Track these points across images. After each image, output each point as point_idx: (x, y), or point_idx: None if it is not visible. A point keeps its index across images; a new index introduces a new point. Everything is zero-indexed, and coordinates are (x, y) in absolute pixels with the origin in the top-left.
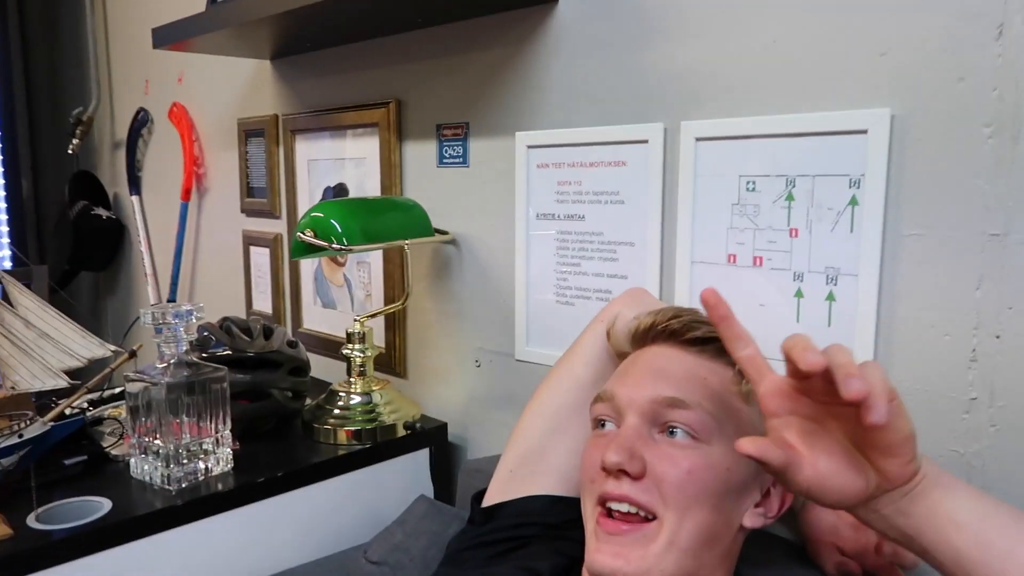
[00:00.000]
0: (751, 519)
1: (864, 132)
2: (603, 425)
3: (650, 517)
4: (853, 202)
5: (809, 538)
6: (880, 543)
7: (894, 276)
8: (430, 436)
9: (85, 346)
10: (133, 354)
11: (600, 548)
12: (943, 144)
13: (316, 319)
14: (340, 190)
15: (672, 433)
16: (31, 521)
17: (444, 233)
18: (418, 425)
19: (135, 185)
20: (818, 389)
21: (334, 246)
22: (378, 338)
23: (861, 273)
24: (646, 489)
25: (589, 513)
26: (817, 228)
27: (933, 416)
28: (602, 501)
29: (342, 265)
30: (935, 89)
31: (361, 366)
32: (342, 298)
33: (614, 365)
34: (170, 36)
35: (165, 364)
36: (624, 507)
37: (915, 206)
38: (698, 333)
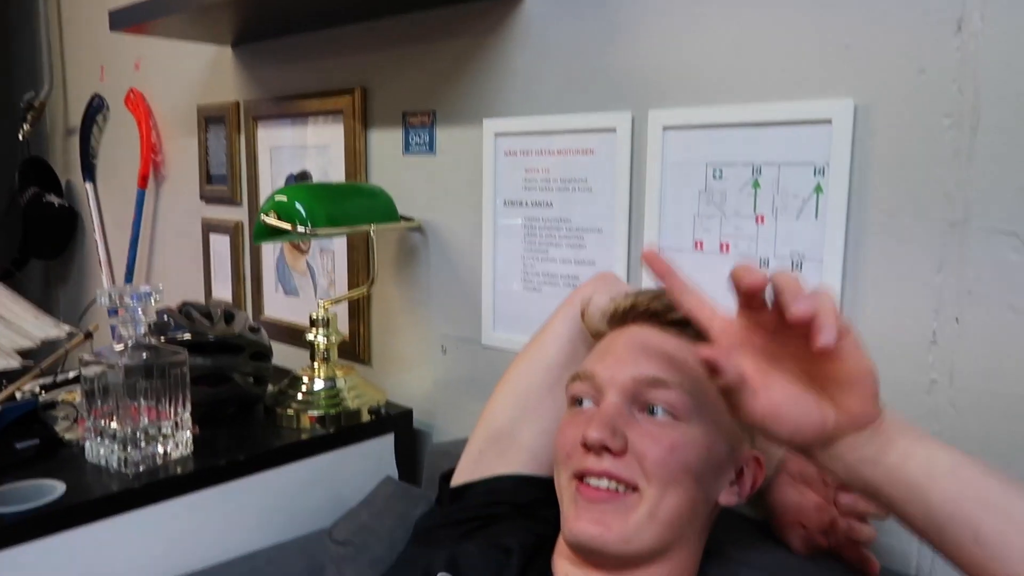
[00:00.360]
0: (726, 497)
1: (828, 122)
2: (580, 403)
3: (629, 490)
4: (818, 190)
5: (774, 516)
6: (838, 496)
7: (857, 262)
8: (395, 422)
9: (38, 327)
10: (89, 335)
11: (580, 515)
12: (905, 134)
13: (278, 307)
14: (303, 177)
15: (652, 412)
16: None
17: (410, 220)
18: (383, 410)
19: (89, 172)
20: (770, 323)
21: (298, 229)
22: (342, 326)
23: (825, 259)
24: (626, 465)
25: (565, 486)
26: (783, 215)
27: (895, 398)
28: (580, 476)
29: (305, 252)
30: (897, 81)
31: (325, 352)
32: (305, 285)
33: (585, 347)
34: (128, 18)
35: (123, 346)
36: (604, 483)
37: (878, 194)
38: (679, 314)
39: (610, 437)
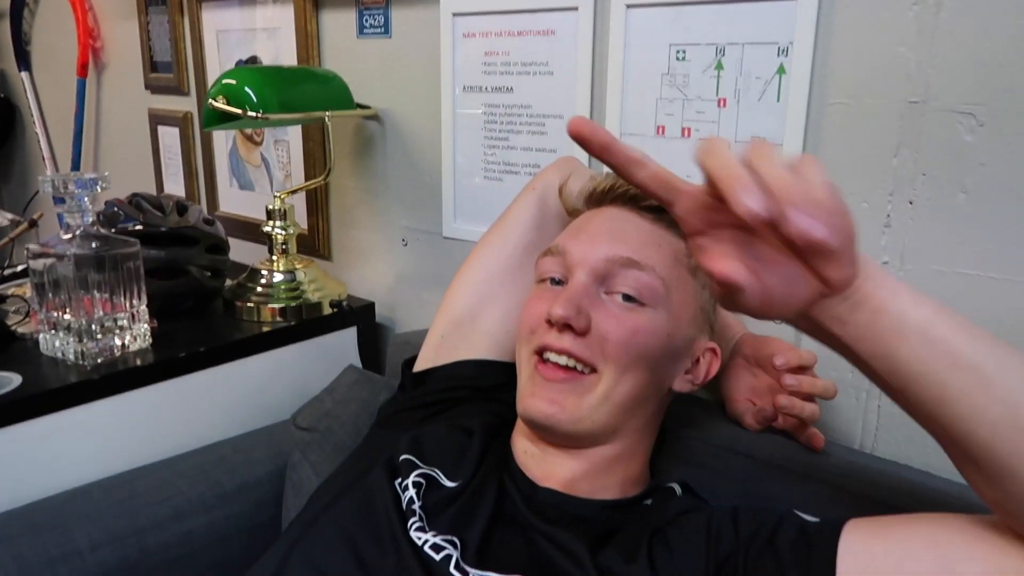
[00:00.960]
0: (680, 384)
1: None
2: (549, 281)
3: (588, 371)
4: (781, 71)
5: (728, 398)
6: (782, 376)
7: (817, 145)
8: (357, 315)
9: None
10: (33, 223)
11: (536, 393)
12: (869, 12)
13: (233, 201)
14: (253, 63)
15: (620, 295)
16: None
17: (366, 108)
18: (345, 304)
19: (23, 60)
20: None
21: (249, 115)
22: (300, 221)
23: (786, 142)
24: (587, 345)
25: (525, 361)
26: (745, 98)
27: None
28: (540, 351)
29: (259, 144)
30: None
31: (283, 244)
32: (260, 179)
33: (547, 232)
34: None
35: (71, 236)
36: (563, 360)
37: (840, 75)
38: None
39: (575, 315)
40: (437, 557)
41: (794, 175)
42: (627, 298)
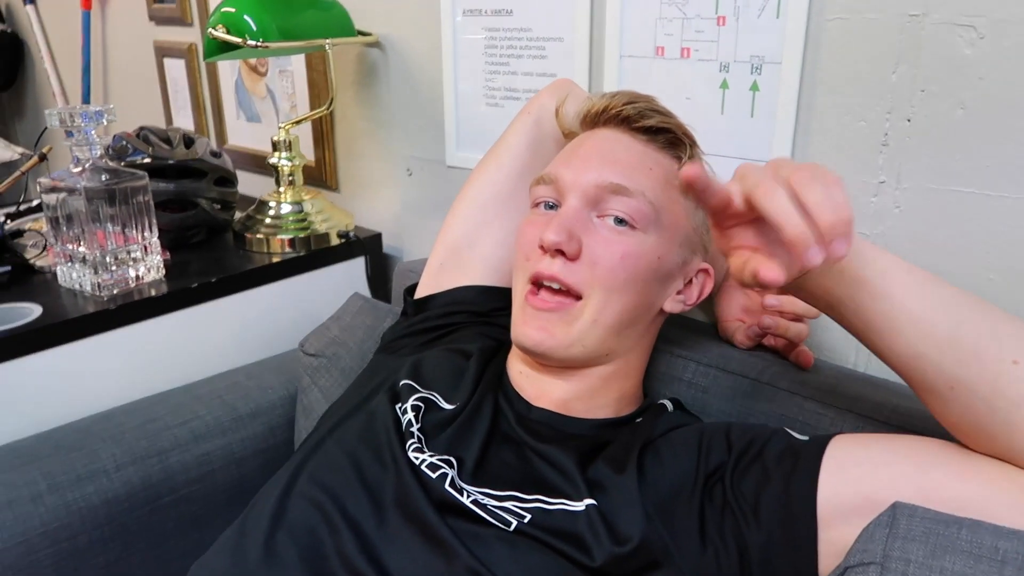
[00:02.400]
0: (671, 304)
1: None
2: (543, 206)
3: (575, 299)
4: None
5: (720, 317)
6: (764, 297)
7: (816, 62)
8: (365, 246)
9: None
10: (43, 157)
11: (527, 322)
12: None
13: (241, 134)
14: None
15: (610, 218)
16: None
17: (368, 35)
18: (352, 234)
19: None
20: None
21: (249, 43)
22: (307, 153)
23: (784, 60)
24: (576, 270)
25: (519, 290)
26: (744, 14)
27: None
28: (534, 280)
29: (263, 75)
30: None
31: (290, 175)
32: (266, 110)
33: (542, 156)
34: None
35: (80, 169)
36: (554, 284)
37: None
38: (651, 122)
39: (566, 241)
40: (433, 476)
41: (828, 198)
42: (618, 221)
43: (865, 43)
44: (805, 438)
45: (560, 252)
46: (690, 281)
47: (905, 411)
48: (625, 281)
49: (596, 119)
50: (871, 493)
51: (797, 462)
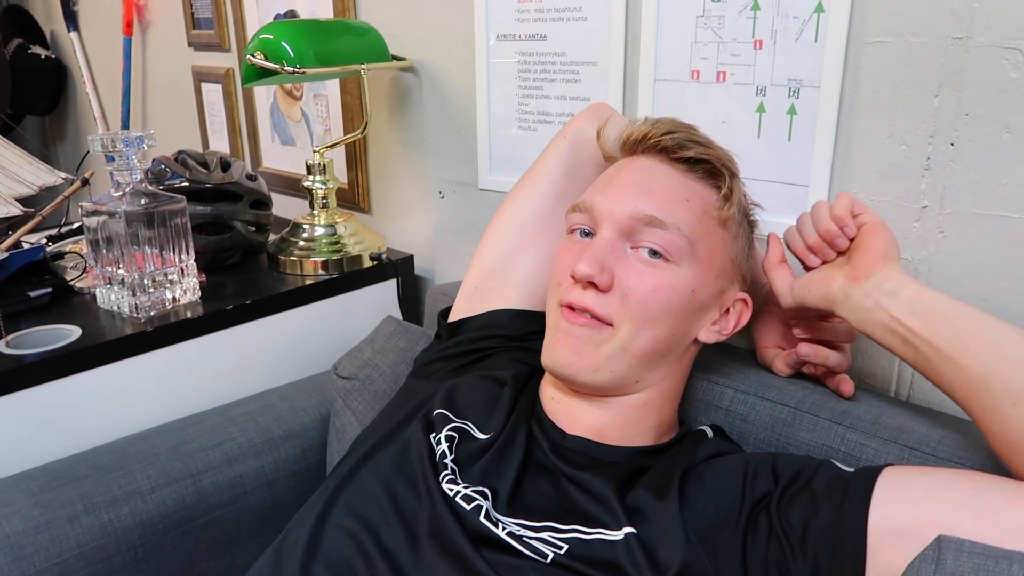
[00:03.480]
0: (706, 335)
1: None
2: (578, 233)
3: (606, 325)
4: (819, 9)
5: (760, 345)
6: (800, 346)
7: (855, 86)
8: (397, 268)
9: (34, 172)
10: (86, 182)
11: (559, 340)
12: None
13: (275, 157)
14: (291, 16)
15: (644, 250)
16: (2, 347)
17: (402, 59)
18: (384, 256)
19: (72, 20)
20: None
21: (286, 69)
22: (340, 176)
23: (823, 84)
24: (608, 302)
25: (552, 311)
26: (782, 39)
27: None
28: (565, 306)
29: (298, 99)
30: None
31: (323, 198)
32: (300, 134)
33: (578, 180)
34: None
35: (121, 193)
36: (584, 316)
37: (880, 11)
38: (690, 153)
39: (598, 273)
40: (468, 507)
41: None
42: (652, 253)
43: (907, 67)
44: (852, 470)
45: (592, 284)
46: (727, 311)
47: (952, 442)
48: (657, 313)
49: (635, 146)
50: (923, 514)
51: (847, 490)
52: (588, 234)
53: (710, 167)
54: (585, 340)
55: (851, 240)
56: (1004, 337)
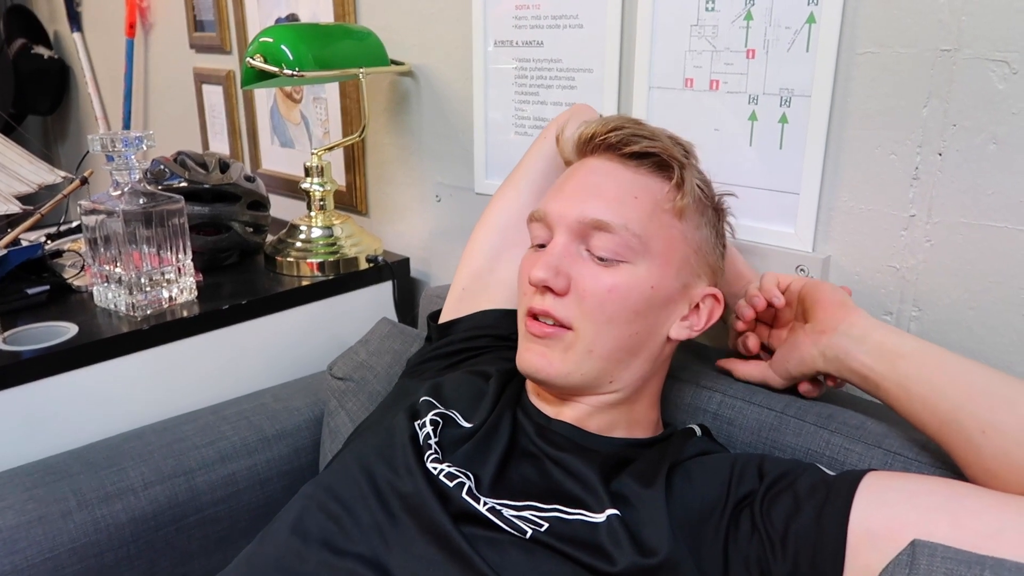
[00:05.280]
0: (677, 331)
1: None
2: (538, 246)
3: (567, 329)
4: (811, 20)
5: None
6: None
7: (846, 96)
8: (393, 270)
9: (33, 171)
10: (85, 181)
11: (529, 348)
12: None
13: (274, 159)
14: (292, 20)
15: (597, 253)
16: None
17: (400, 64)
18: (380, 259)
19: (75, 21)
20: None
21: (285, 72)
22: (338, 178)
23: (814, 94)
24: (567, 304)
25: (520, 320)
26: (774, 48)
27: (874, 234)
28: (530, 314)
29: (298, 102)
30: None
31: (321, 200)
32: (300, 136)
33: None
34: None
35: (119, 192)
36: (549, 321)
37: (871, 23)
38: (636, 148)
39: (552, 277)
40: (451, 484)
41: None
42: (602, 258)
43: (896, 77)
44: (835, 474)
45: (548, 289)
46: (696, 306)
47: (934, 448)
48: (615, 312)
49: (585, 147)
50: (901, 516)
51: (829, 493)
52: (544, 245)
53: (658, 159)
54: (551, 346)
55: (791, 306)
56: (967, 370)
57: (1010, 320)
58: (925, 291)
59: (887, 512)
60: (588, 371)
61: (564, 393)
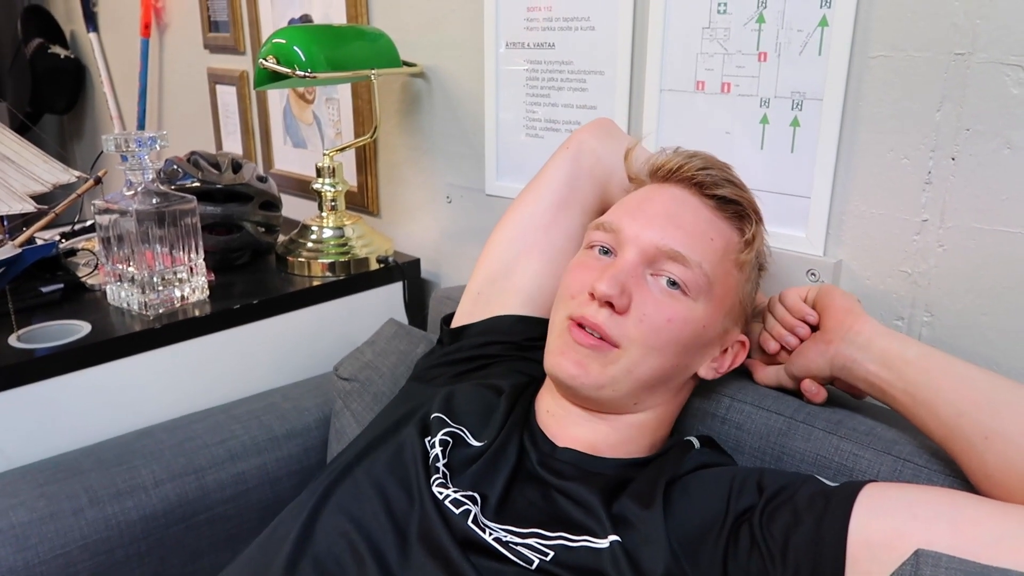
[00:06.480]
0: (705, 370)
1: None
2: (598, 250)
3: (613, 346)
4: (823, 23)
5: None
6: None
7: (858, 99)
8: (403, 271)
9: (48, 171)
10: (99, 180)
11: (565, 353)
12: None
13: (287, 159)
14: (305, 21)
15: (664, 279)
16: (13, 341)
17: (412, 65)
18: (391, 259)
19: (91, 21)
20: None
21: (298, 73)
22: (350, 179)
23: (826, 97)
24: (621, 324)
25: (559, 321)
26: (786, 51)
27: (886, 239)
28: (577, 321)
29: (310, 102)
30: None
31: (332, 200)
32: (312, 137)
33: (579, 191)
34: None
35: (133, 192)
36: (595, 333)
37: (884, 25)
38: (723, 192)
39: (618, 295)
40: (456, 512)
41: None
42: (672, 283)
43: (909, 81)
44: (835, 484)
45: (609, 304)
46: (726, 350)
47: (944, 456)
48: (665, 343)
49: (668, 175)
50: (901, 526)
51: (828, 503)
52: (607, 252)
53: (740, 209)
54: (592, 358)
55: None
56: (970, 376)
57: (1023, 326)
58: (937, 296)
59: (886, 522)
60: (620, 389)
61: (589, 405)
